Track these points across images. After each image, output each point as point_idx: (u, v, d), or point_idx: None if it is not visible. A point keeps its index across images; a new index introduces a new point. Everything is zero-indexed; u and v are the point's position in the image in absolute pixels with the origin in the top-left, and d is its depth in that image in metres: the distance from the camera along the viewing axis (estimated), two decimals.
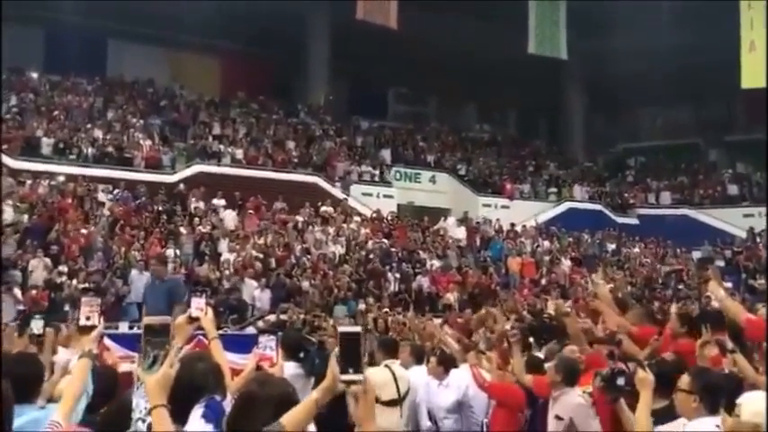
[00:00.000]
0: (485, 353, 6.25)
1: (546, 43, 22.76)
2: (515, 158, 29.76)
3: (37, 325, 4.49)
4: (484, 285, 18.77)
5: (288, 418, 2.39)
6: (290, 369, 5.31)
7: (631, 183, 30.81)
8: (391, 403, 5.77)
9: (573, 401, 4.71)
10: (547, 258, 21.53)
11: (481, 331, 7.98)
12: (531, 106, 33.44)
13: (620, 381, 3.83)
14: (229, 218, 19.00)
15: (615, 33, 26.40)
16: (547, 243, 22.91)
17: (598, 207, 27.75)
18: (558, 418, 4.75)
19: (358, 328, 2.89)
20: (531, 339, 6.83)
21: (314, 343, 6.75)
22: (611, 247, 24.32)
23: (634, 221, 27.84)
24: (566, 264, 21.36)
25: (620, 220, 27.49)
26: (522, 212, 25.33)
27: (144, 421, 2.89)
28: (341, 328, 2.77)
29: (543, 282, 19.96)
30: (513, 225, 23.36)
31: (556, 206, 26.93)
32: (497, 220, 23.58)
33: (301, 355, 5.72)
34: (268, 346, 3.75)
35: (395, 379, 5.86)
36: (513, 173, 28.01)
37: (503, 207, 25.63)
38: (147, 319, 2.85)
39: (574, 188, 27.90)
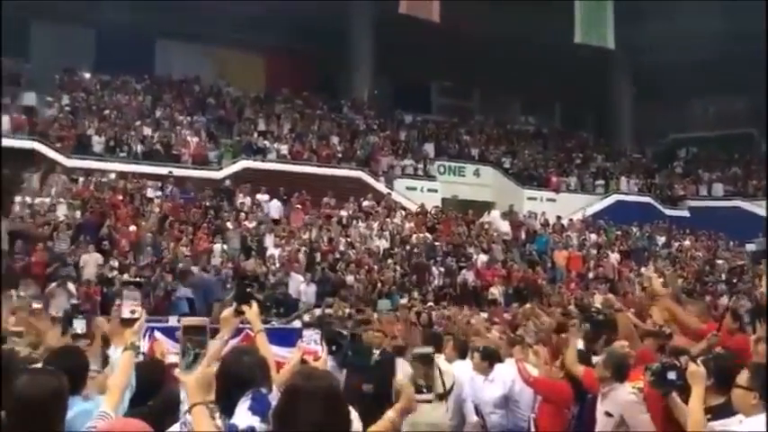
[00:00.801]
0: (532, 347, 6.17)
1: (593, 33, 22.29)
2: (561, 151, 29.33)
3: (80, 324, 4.56)
4: (529, 279, 18.58)
5: None
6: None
7: (682, 174, 30.04)
8: (436, 398, 5.73)
9: (623, 397, 4.60)
10: (594, 252, 21.19)
11: (529, 324, 7.88)
12: (578, 97, 32.85)
13: (671, 375, 3.73)
14: (275, 212, 19.20)
15: (664, 20, 25.76)
16: (594, 236, 22.56)
17: (647, 199, 27.18)
18: (608, 414, 4.65)
19: (430, 349, 2.87)
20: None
21: (345, 336, 6.78)
22: (661, 240, 23.81)
23: (685, 214, 27.18)
24: (614, 257, 21.00)
25: (671, 212, 26.87)
26: (569, 205, 24.99)
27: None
28: (416, 350, 2.75)
29: (590, 276, 19.67)
30: (559, 218, 23.05)
31: (603, 199, 26.49)
32: (543, 213, 23.29)
33: (334, 347, 5.74)
34: (312, 339, 3.74)
35: (440, 373, 5.83)
36: (559, 165, 27.62)
37: (548, 200, 25.31)
38: (184, 320, 2.89)
39: (622, 180, 27.37)
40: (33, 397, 2.51)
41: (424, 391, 2.52)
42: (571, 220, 23.44)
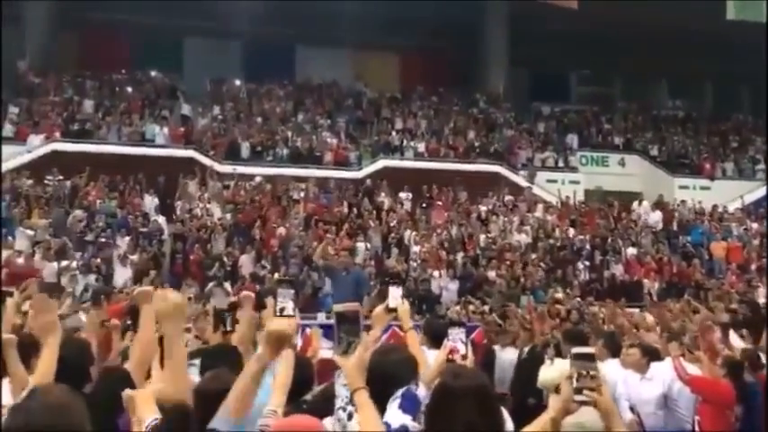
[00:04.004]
0: (692, 352, 5.82)
1: (747, 7, 20.68)
2: (715, 135, 27.40)
3: (229, 320, 4.76)
4: (684, 273, 17.55)
5: None
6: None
7: None
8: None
9: None
10: (756, 242, 19.65)
11: (687, 321, 7.45)
12: (731, 77, 30.49)
13: None
14: (415, 210, 19.37)
15: None
16: (756, 225, 20.91)
17: None
18: None
19: (591, 349, 2.77)
20: (745, 331, 6.25)
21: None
22: None
23: None
24: None
25: None
26: (726, 193, 23.29)
27: (344, 410, 2.97)
28: (575, 349, 2.63)
29: (753, 268, 18.26)
30: (715, 207, 21.57)
31: (765, 185, 24.49)
32: (698, 202, 21.90)
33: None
34: (458, 338, 3.71)
35: None
36: (713, 150, 25.87)
37: (702, 188, 23.76)
38: (337, 307, 2.96)
39: None
40: (215, 391, 2.70)
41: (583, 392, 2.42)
42: (728, 208, 21.87)
